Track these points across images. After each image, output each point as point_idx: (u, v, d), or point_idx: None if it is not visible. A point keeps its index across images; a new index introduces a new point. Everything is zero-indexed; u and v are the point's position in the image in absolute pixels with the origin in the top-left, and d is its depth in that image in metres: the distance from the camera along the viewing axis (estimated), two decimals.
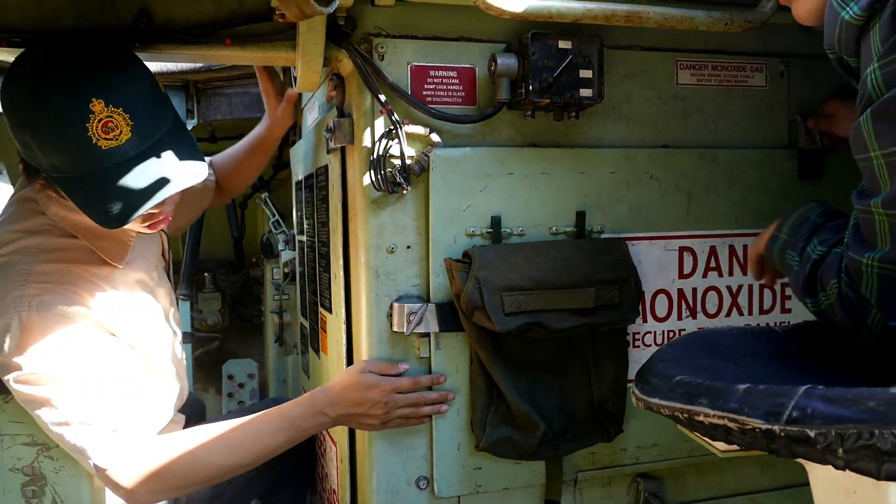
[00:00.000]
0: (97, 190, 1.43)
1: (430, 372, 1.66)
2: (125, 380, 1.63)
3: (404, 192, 1.58)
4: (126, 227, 1.50)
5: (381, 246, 1.62)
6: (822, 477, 0.89)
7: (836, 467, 0.78)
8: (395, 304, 1.62)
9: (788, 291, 1.90)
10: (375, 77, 1.58)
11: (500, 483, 1.71)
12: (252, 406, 2.89)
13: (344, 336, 1.77)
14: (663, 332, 1.81)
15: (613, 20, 1.53)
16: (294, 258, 2.66)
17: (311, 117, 2.28)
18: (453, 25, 1.65)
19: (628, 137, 1.79)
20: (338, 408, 1.60)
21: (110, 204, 1.42)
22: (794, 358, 1.12)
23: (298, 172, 2.36)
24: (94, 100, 1.39)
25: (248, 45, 1.60)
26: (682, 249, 1.81)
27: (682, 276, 1.82)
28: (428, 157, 1.59)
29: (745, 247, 1.86)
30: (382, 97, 1.57)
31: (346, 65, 1.64)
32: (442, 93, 1.65)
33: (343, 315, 1.77)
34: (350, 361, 1.77)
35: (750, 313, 1.88)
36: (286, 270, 2.82)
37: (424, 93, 1.63)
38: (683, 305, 1.82)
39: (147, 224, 1.61)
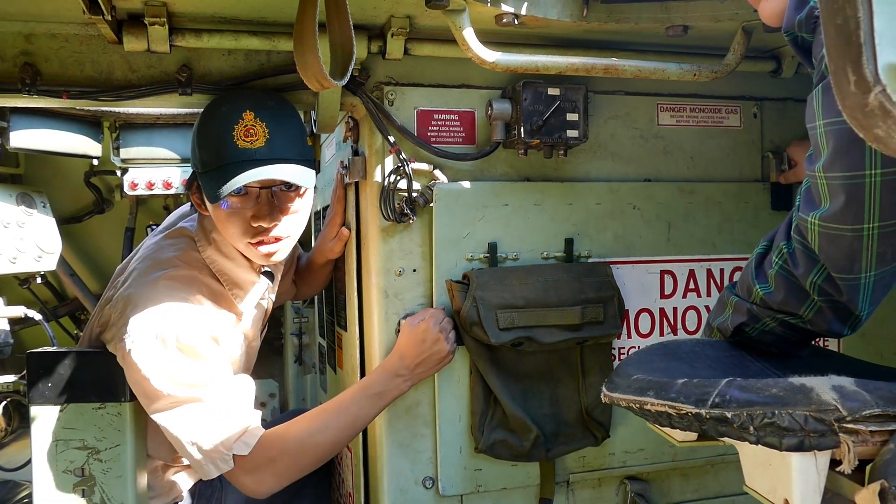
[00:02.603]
0: (221, 177, 1.66)
1: (434, 384, 1.85)
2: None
3: (411, 221, 1.80)
4: (241, 247, 1.80)
5: (390, 269, 1.83)
6: (746, 454, 1.07)
7: (751, 443, 0.96)
8: (403, 321, 1.82)
9: None
10: (386, 120, 1.80)
11: (498, 483, 1.89)
12: (274, 420, 3.07)
13: (358, 351, 1.97)
14: (647, 346, 1.99)
15: (593, 72, 1.74)
16: None
17: (328, 153, 2.50)
18: (454, 74, 1.88)
19: (613, 172, 1.99)
20: (408, 360, 1.76)
21: (222, 184, 1.65)
22: (740, 361, 1.31)
23: (317, 203, 2.58)
24: (247, 110, 1.69)
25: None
26: (663, 272, 2.00)
27: (663, 296, 2.00)
28: (432, 190, 1.80)
29: (721, 270, 2.04)
30: (392, 138, 1.79)
31: (360, 109, 1.86)
32: (445, 134, 1.86)
33: (357, 332, 1.97)
34: (363, 374, 1.97)
35: None
36: None
37: (429, 134, 1.85)
38: (665, 323, 2.01)
39: (257, 241, 1.79)
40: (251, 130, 1.67)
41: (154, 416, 1.72)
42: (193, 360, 1.71)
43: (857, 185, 1.02)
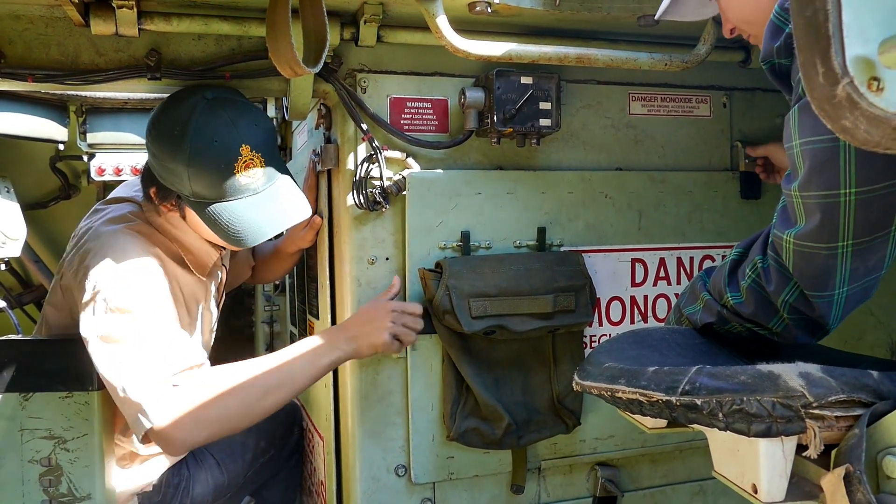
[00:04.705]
0: (230, 214, 1.71)
1: (406, 373, 1.85)
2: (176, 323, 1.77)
3: (384, 209, 1.79)
4: (216, 241, 1.83)
5: (362, 258, 1.83)
6: (715, 440, 1.09)
7: (720, 429, 0.98)
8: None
9: None
10: (358, 108, 1.79)
11: (470, 470, 1.91)
12: None
13: None
14: (617, 335, 2.01)
15: (566, 61, 1.74)
16: None
17: (300, 140, 2.48)
18: (428, 62, 1.87)
19: (585, 161, 2.01)
20: (350, 330, 1.72)
21: (237, 228, 1.71)
22: (709, 348, 1.33)
23: None
24: (243, 145, 1.70)
25: (246, 79, 1.81)
26: (634, 261, 2.02)
27: (634, 284, 2.02)
28: (405, 178, 1.79)
29: (691, 259, 2.07)
30: (364, 126, 1.78)
31: (332, 97, 1.85)
32: (418, 122, 1.86)
33: (329, 320, 1.96)
34: None
35: None
36: (276, 282, 3.00)
37: (402, 122, 1.85)
38: (636, 311, 2.03)
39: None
40: (250, 165, 1.72)
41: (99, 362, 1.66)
42: (148, 309, 1.69)
43: (831, 204, 1.05)
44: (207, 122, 1.70)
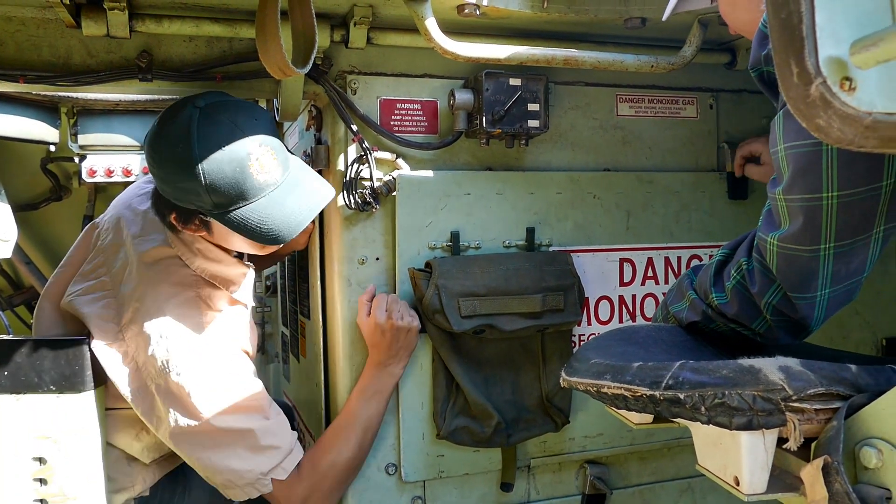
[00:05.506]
0: (259, 215, 1.65)
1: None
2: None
3: (374, 210, 1.81)
4: (252, 251, 1.82)
5: (353, 258, 1.84)
6: (698, 434, 1.11)
7: (703, 423, 1.00)
8: (359, 321, 1.83)
9: None
10: (348, 109, 1.80)
11: (460, 469, 1.92)
12: None
13: (321, 339, 1.98)
14: (605, 332, 2.03)
15: (553, 63, 1.76)
16: (275, 272, 2.86)
17: (291, 141, 2.49)
18: (417, 64, 1.89)
19: (573, 162, 2.03)
20: (382, 352, 1.80)
21: (270, 227, 1.66)
22: (694, 345, 1.35)
23: None
24: (251, 143, 1.63)
25: (237, 80, 1.82)
26: (622, 261, 2.04)
27: (622, 284, 2.05)
28: (394, 179, 1.81)
29: (678, 258, 2.09)
30: (354, 127, 1.79)
31: (322, 98, 1.87)
32: (407, 123, 1.88)
33: (320, 320, 1.98)
34: (326, 362, 1.98)
35: None
36: (268, 283, 3.01)
37: (392, 123, 1.86)
38: (624, 310, 2.05)
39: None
40: (264, 160, 1.64)
41: (188, 450, 1.75)
42: (240, 383, 1.75)
43: (814, 207, 1.07)
44: (209, 130, 1.63)
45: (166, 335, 1.73)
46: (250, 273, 1.94)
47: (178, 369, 1.70)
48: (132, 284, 1.80)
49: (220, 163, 1.61)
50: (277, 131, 1.78)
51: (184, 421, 1.71)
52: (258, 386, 1.79)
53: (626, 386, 1.08)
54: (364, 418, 1.81)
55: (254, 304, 2.02)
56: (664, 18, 1.61)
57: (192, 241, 1.83)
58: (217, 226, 1.72)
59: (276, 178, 1.66)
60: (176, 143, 1.62)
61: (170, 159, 1.63)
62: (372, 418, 1.82)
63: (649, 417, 1.27)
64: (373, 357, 1.83)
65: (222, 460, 1.72)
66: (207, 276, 1.84)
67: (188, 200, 1.67)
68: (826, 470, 0.88)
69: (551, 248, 1.96)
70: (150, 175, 1.79)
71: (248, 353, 1.85)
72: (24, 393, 1.79)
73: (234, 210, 1.65)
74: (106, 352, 1.75)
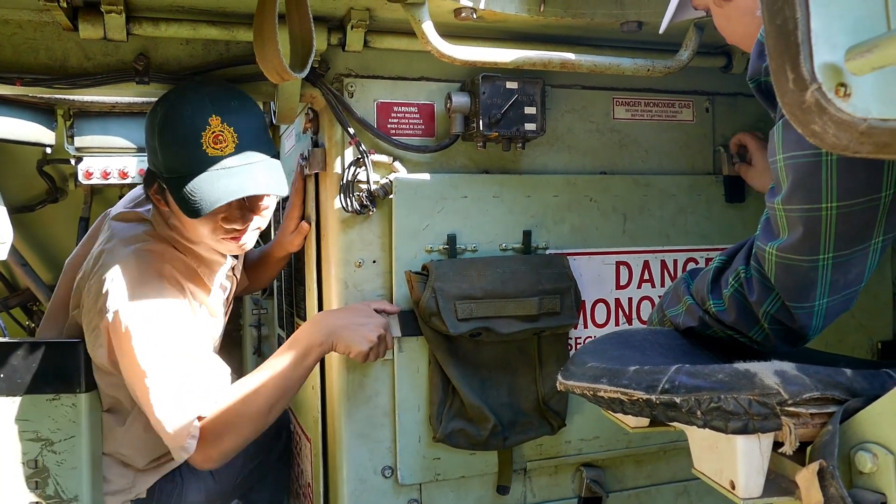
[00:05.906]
0: (193, 187, 1.65)
1: (393, 375, 1.86)
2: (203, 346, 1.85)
3: (370, 213, 1.81)
4: (212, 243, 1.82)
5: (349, 260, 1.84)
6: (694, 438, 1.11)
7: (698, 426, 1.00)
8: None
9: None
10: (345, 112, 1.80)
11: (457, 472, 1.92)
12: None
13: None
14: (601, 335, 2.03)
15: (550, 66, 1.77)
16: None
17: (288, 144, 2.49)
18: (414, 67, 1.89)
19: (570, 165, 2.03)
20: (331, 324, 1.73)
21: (199, 199, 1.65)
22: (690, 349, 1.35)
23: None
24: (213, 116, 1.66)
25: (234, 83, 1.82)
26: (618, 264, 2.04)
27: (618, 287, 2.05)
28: (391, 182, 1.81)
29: (675, 261, 2.10)
30: (351, 130, 1.79)
31: (319, 101, 1.87)
32: (404, 126, 1.88)
33: None
34: (322, 367, 1.98)
35: None
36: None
37: (389, 126, 1.86)
38: (620, 313, 2.05)
39: (230, 237, 1.82)
40: (220, 137, 1.66)
41: (136, 391, 1.74)
42: (174, 332, 1.73)
43: (813, 218, 1.07)
44: (185, 95, 1.69)
45: (112, 276, 1.75)
46: (226, 263, 1.97)
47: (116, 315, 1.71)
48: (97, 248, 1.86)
49: (177, 126, 1.67)
50: (263, 130, 1.79)
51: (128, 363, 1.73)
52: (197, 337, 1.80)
53: (622, 390, 1.08)
54: (289, 383, 1.74)
55: (222, 293, 2.06)
56: (661, 31, 1.62)
57: (168, 216, 1.87)
58: (169, 197, 1.75)
59: (230, 162, 1.68)
60: (157, 103, 1.73)
61: (149, 117, 1.74)
62: (295, 385, 1.76)
63: (645, 421, 1.27)
64: (327, 316, 1.78)
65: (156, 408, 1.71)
66: (181, 247, 1.88)
67: (151, 161, 1.76)
68: (821, 474, 0.88)
69: (548, 251, 1.96)
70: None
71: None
72: (20, 395, 1.79)
73: (178, 178, 1.68)
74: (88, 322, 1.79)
